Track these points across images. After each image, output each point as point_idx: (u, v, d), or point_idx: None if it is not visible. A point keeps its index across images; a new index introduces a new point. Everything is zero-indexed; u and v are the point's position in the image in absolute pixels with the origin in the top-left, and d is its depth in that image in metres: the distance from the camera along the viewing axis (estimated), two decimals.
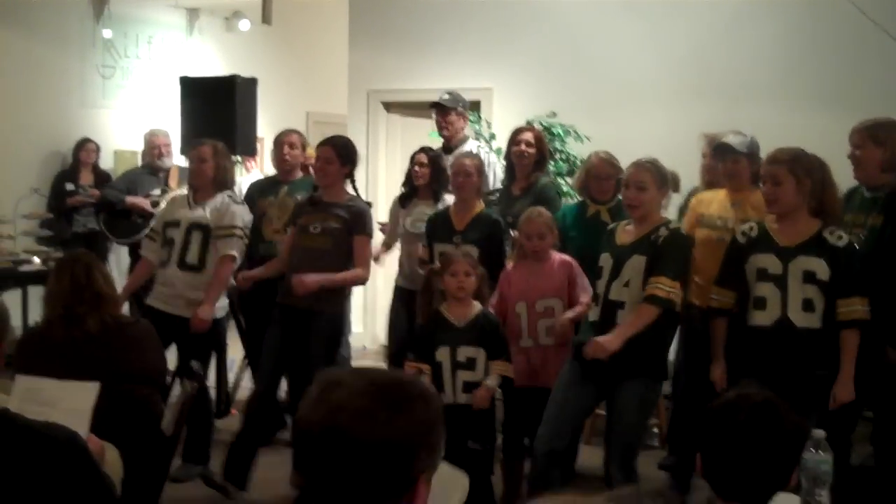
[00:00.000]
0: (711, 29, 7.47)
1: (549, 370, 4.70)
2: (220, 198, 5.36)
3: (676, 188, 5.29)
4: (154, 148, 7.96)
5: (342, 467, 1.55)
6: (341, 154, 5.20)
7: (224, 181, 5.41)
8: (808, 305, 3.95)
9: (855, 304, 3.97)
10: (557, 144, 7.20)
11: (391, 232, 6.31)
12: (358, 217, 5.20)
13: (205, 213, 5.32)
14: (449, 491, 2.28)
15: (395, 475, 1.57)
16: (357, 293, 8.29)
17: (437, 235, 5.41)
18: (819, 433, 2.46)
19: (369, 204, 5.72)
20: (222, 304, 5.39)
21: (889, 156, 4.40)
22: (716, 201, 4.88)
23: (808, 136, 6.64)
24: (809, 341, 3.96)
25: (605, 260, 4.31)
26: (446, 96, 6.49)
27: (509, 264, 5.05)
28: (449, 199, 5.70)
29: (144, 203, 7.55)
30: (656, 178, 4.30)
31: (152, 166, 7.98)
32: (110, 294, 3.84)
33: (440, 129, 6.49)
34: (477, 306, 4.54)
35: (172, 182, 7.70)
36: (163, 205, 5.62)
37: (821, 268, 3.95)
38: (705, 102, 7.34)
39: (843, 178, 4.60)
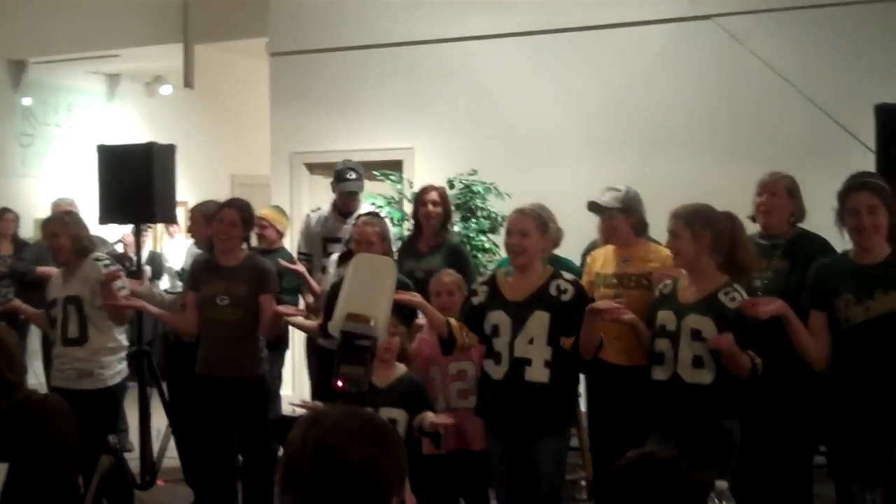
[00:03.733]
0: (626, 83, 7.64)
1: (465, 432, 4.69)
2: (89, 265, 5.31)
3: (557, 244, 5.33)
4: None
5: (331, 484, 1.76)
6: (245, 218, 5.22)
7: (83, 247, 5.36)
8: (698, 362, 3.98)
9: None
10: (479, 202, 7.27)
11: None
12: (262, 276, 5.19)
13: (75, 284, 5.29)
14: (383, 271, 2.59)
15: (373, 496, 1.79)
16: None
17: None
18: (722, 484, 2.51)
19: (264, 252, 5.78)
20: (116, 371, 5.33)
21: (796, 208, 4.59)
22: (607, 259, 4.93)
23: (719, 187, 6.81)
24: (702, 395, 3.99)
25: (500, 318, 4.25)
26: (352, 176, 6.42)
27: (425, 329, 4.97)
28: None
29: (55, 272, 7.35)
30: (539, 224, 4.31)
31: None
32: (13, 379, 3.72)
33: (348, 207, 6.46)
34: (401, 368, 4.53)
35: None
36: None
37: (707, 326, 3.96)
38: (621, 156, 7.49)
39: (756, 227, 4.75)
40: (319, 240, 6.52)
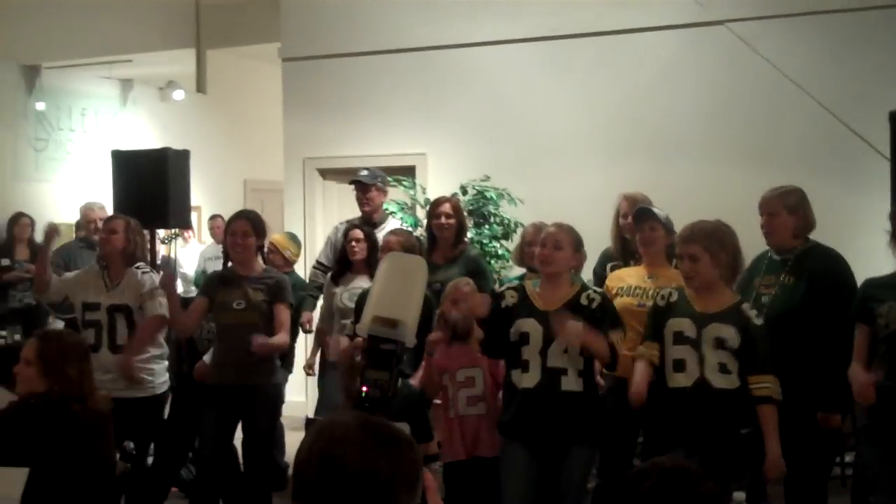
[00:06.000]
0: (637, 88, 7.64)
1: (480, 439, 4.69)
2: (132, 274, 5.35)
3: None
4: (90, 222, 7.77)
5: (334, 493, 1.75)
6: (256, 227, 5.28)
7: (133, 255, 5.38)
8: (723, 368, 4.04)
9: (765, 382, 4.04)
10: (491, 208, 7.29)
11: (325, 311, 6.21)
12: (279, 287, 5.25)
13: (122, 293, 5.31)
14: (414, 271, 2.58)
15: None
16: (298, 361, 8.28)
17: None
18: (739, 496, 2.52)
19: (288, 272, 5.78)
20: (164, 379, 5.37)
21: (800, 223, 4.55)
22: (634, 275, 4.98)
23: (731, 192, 6.86)
24: (728, 401, 4.03)
25: (531, 325, 4.29)
26: (364, 172, 6.53)
27: (434, 335, 4.92)
28: None
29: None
30: (573, 240, 4.41)
31: (89, 240, 7.76)
32: (89, 388, 3.79)
33: (361, 205, 6.51)
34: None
35: None
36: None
37: (731, 335, 4.03)
38: (633, 161, 7.49)
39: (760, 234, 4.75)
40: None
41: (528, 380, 4.27)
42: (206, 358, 5.48)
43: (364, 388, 2.61)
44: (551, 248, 4.36)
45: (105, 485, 3.66)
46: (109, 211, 7.48)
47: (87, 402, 3.68)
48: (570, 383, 4.24)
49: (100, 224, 7.55)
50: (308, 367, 6.56)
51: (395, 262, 2.82)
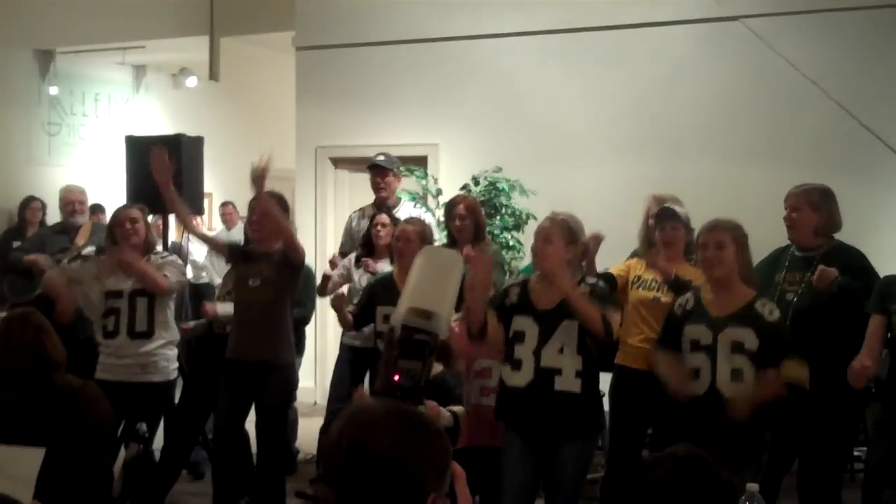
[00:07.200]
0: (651, 83, 7.63)
1: (493, 429, 4.69)
2: (152, 261, 5.31)
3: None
4: (68, 204, 7.42)
5: (364, 479, 1.77)
6: (280, 205, 5.27)
7: (153, 242, 5.43)
8: (736, 375, 3.98)
9: (790, 368, 3.98)
10: (503, 199, 7.29)
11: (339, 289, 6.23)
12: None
13: None
14: (450, 265, 2.62)
15: (408, 491, 1.79)
16: (307, 347, 8.29)
17: (381, 298, 5.22)
18: (753, 486, 2.52)
19: None
20: (176, 365, 5.39)
21: (823, 221, 4.55)
22: (650, 270, 4.96)
23: (745, 189, 6.86)
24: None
25: (526, 324, 4.23)
26: (381, 157, 6.50)
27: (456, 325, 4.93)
28: None
29: (45, 262, 6.75)
30: (564, 232, 4.28)
31: (65, 224, 7.44)
32: (57, 359, 3.81)
33: (377, 189, 6.44)
34: (436, 368, 4.53)
35: (81, 240, 7.01)
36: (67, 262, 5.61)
37: (749, 338, 3.98)
38: (646, 155, 7.49)
39: (780, 230, 4.75)
40: (360, 238, 6.52)
41: (518, 378, 4.22)
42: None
43: (396, 377, 2.61)
44: (541, 242, 4.27)
45: (93, 469, 3.66)
46: (120, 196, 7.47)
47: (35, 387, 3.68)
48: (566, 383, 4.17)
49: (77, 207, 7.38)
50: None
51: (431, 255, 2.85)
